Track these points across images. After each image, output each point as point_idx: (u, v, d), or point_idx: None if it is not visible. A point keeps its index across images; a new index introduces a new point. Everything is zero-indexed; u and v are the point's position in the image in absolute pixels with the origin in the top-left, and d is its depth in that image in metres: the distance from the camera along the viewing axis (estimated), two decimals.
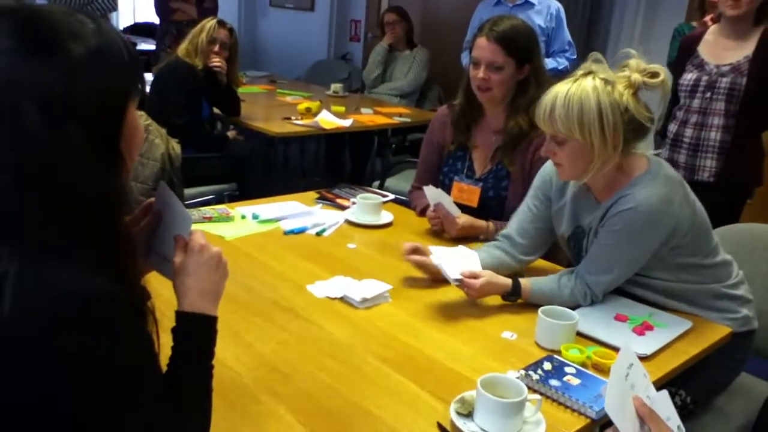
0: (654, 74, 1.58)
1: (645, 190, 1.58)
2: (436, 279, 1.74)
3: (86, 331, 0.78)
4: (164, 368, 0.94)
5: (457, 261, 1.70)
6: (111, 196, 0.86)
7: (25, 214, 0.78)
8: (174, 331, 1.00)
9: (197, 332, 1.01)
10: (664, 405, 1.02)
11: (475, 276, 1.64)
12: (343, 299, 1.67)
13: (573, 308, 1.57)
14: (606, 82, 1.55)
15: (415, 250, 1.79)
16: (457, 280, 1.63)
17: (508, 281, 1.67)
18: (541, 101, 1.61)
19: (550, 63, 3.72)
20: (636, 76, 1.56)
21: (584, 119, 1.54)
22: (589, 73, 1.58)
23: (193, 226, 1.07)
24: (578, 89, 1.55)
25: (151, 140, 2.97)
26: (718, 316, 1.68)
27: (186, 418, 0.94)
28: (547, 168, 1.83)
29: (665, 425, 0.98)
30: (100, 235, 0.84)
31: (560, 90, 1.57)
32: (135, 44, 5.43)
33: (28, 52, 0.80)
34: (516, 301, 1.67)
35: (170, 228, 1.06)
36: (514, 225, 1.88)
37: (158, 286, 1.02)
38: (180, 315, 1.00)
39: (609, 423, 1.06)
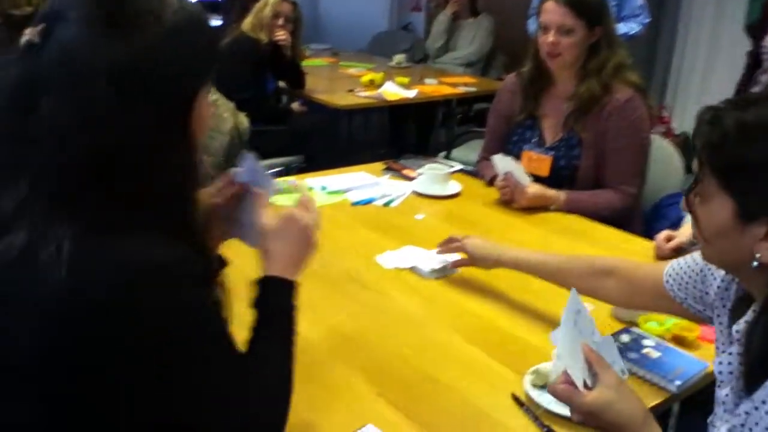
0: None
1: None
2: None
3: (148, 297, 0.78)
4: (240, 336, 0.95)
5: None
6: (179, 172, 0.86)
7: (91, 183, 0.79)
8: (258, 294, 1.00)
9: (282, 297, 1.01)
10: (609, 350, 1.02)
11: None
12: (412, 270, 1.66)
13: None
14: None
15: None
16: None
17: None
18: None
19: (621, 28, 3.56)
20: None
21: None
22: None
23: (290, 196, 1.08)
24: None
25: (219, 114, 3.02)
26: None
27: (266, 383, 0.95)
28: None
29: (611, 370, 0.96)
30: (168, 208, 0.84)
31: None
32: None
33: (104, 24, 0.80)
34: None
35: (255, 196, 1.08)
36: None
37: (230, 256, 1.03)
38: (265, 279, 1.01)
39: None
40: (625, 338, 1.34)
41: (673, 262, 1.21)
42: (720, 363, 0.99)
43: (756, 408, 0.83)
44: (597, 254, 1.59)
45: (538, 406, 1.14)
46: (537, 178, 2.12)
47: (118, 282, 0.77)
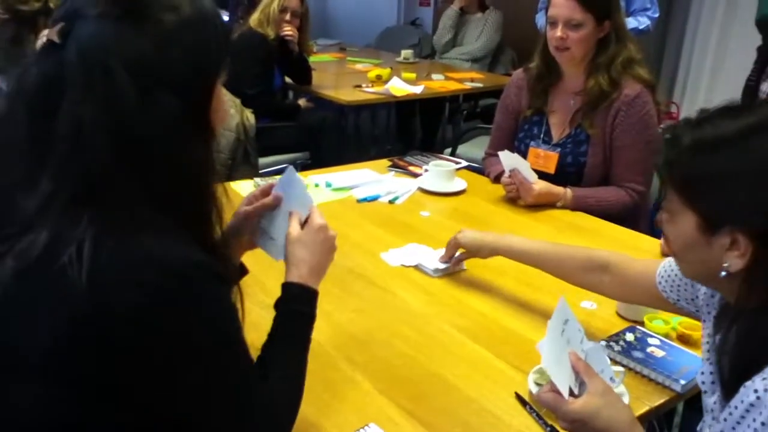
0: None
1: None
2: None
3: (165, 296, 0.79)
4: (254, 339, 0.95)
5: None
6: (200, 164, 0.86)
7: (111, 178, 0.79)
8: (280, 300, 1.02)
9: (303, 304, 1.03)
10: (598, 358, 1.03)
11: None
12: (417, 267, 1.66)
13: None
14: None
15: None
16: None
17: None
18: None
19: (630, 22, 3.54)
20: None
21: None
22: None
23: None
24: None
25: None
26: None
27: (278, 388, 0.95)
28: None
29: (599, 378, 0.97)
30: (187, 203, 0.85)
31: None
32: None
33: (122, 19, 0.81)
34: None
35: (287, 209, 1.10)
36: None
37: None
38: (288, 285, 1.04)
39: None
40: (629, 337, 1.34)
41: (666, 262, 1.20)
42: (702, 373, 1.00)
43: (731, 414, 0.83)
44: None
45: (541, 405, 1.14)
46: (543, 175, 2.11)
47: (136, 284, 0.77)
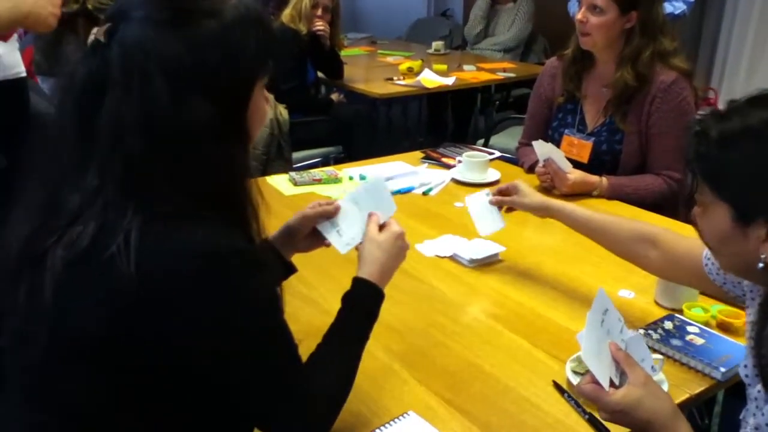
0: None
1: None
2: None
3: (210, 282, 0.82)
4: (294, 331, 0.96)
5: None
6: (233, 164, 0.89)
7: (151, 174, 0.83)
8: (348, 293, 1.06)
9: (370, 302, 1.07)
10: (638, 347, 1.01)
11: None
12: (452, 258, 1.67)
13: None
14: None
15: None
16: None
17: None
18: None
19: (666, 8, 3.47)
20: None
21: None
22: None
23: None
24: None
25: None
26: None
27: (323, 380, 0.96)
28: None
29: (639, 368, 0.96)
30: (223, 198, 0.87)
31: None
32: None
33: (166, 22, 0.84)
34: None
35: (366, 210, 1.16)
36: None
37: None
38: (360, 280, 1.07)
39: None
40: (668, 325, 1.33)
41: None
42: (745, 366, 0.98)
43: None
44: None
45: (582, 396, 1.14)
46: (577, 164, 2.10)
47: (181, 271, 0.81)
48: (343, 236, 1.17)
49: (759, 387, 0.94)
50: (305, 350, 0.97)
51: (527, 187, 1.57)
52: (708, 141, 0.87)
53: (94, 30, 0.86)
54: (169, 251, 0.81)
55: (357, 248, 1.14)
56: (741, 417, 1.01)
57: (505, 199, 1.59)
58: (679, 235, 1.30)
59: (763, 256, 0.84)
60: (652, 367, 1.03)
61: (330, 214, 1.18)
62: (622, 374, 0.96)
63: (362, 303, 1.06)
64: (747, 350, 1.00)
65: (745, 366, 0.98)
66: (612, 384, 0.96)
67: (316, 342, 1.01)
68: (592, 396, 0.96)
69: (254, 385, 0.89)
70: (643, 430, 0.93)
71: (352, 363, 1.02)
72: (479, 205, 1.63)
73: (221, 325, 0.84)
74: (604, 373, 0.95)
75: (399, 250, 1.13)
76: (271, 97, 3.24)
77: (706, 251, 1.18)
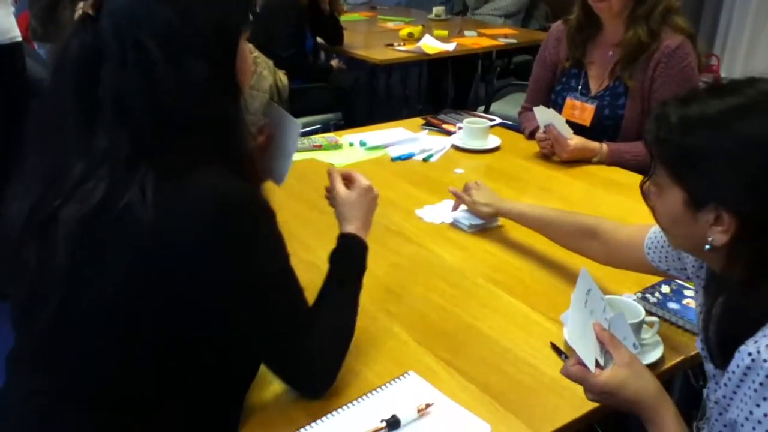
0: None
1: None
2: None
3: (224, 226, 0.86)
4: None
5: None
6: (232, 119, 0.92)
7: (157, 134, 0.85)
8: (336, 250, 1.13)
9: (357, 252, 1.14)
10: (621, 326, 1.03)
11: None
12: (452, 224, 1.68)
13: None
14: None
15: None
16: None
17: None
18: None
19: None
20: None
21: None
22: None
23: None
24: None
25: (259, 72, 3.04)
26: None
27: (330, 325, 1.04)
28: None
29: (624, 348, 0.97)
30: (226, 153, 0.90)
31: None
32: None
33: None
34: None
35: (282, 141, 1.17)
36: None
37: None
38: (346, 236, 1.14)
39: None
40: (665, 289, 1.34)
41: (654, 230, 1.20)
42: (700, 340, 1.00)
43: (729, 379, 0.84)
44: (615, 211, 1.60)
45: (568, 379, 1.16)
46: (579, 128, 2.09)
47: (197, 216, 0.84)
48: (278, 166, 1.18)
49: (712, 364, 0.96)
50: None
51: (485, 194, 1.62)
52: (668, 125, 0.89)
53: (80, 4, 0.88)
54: (184, 199, 0.84)
55: (333, 207, 1.20)
56: (705, 395, 1.04)
57: (464, 198, 1.65)
58: (618, 224, 1.33)
59: (709, 240, 0.87)
60: (634, 344, 1.04)
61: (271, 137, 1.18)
62: (606, 353, 0.97)
63: (352, 255, 1.13)
64: (699, 328, 1.02)
65: (700, 340, 1.00)
66: (597, 365, 0.96)
67: None
68: (578, 378, 0.97)
69: (267, 326, 0.94)
70: (629, 410, 0.95)
71: (353, 310, 1.10)
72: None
73: (234, 266, 0.87)
74: (589, 355, 0.96)
75: (371, 202, 1.20)
76: (270, 63, 3.22)
77: (647, 239, 1.21)
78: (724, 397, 0.85)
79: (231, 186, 0.87)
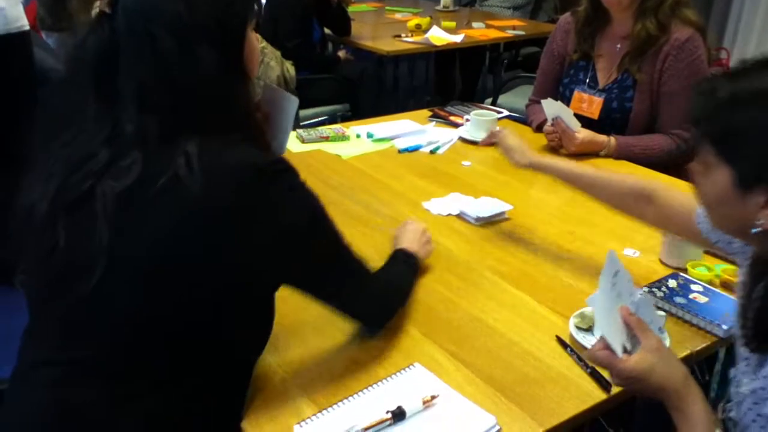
0: None
1: None
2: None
3: (263, 191, 0.91)
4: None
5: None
6: (242, 98, 0.97)
7: (181, 118, 0.91)
8: (389, 256, 1.29)
9: (413, 258, 1.31)
10: (647, 309, 1.01)
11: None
12: (459, 216, 1.68)
13: None
14: None
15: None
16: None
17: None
18: None
19: None
20: None
21: None
22: None
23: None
24: None
25: (266, 63, 3.05)
26: None
27: (387, 279, 1.21)
28: None
29: (652, 333, 0.95)
30: (237, 129, 0.94)
31: None
32: None
33: None
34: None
35: (278, 118, 1.23)
36: None
37: None
38: (398, 250, 1.32)
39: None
40: (672, 283, 1.34)
41: None
42: (736, 320, 0.97)
43: (766, 376, 0.81)
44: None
45: (582, 347, 1.16)
46: (587, 121, 2.08)
47: (238, 184, 0.88)
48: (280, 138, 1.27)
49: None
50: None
51: (515, 142, 1.63)
52: (716, 101, 0.85)
53: (97, 3, 0.91)
54: (222, 168, 0.88)
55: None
56: (731, 375, 1.02)
57: (502, 142, 1.67)
58: (673, 189, 1.30)
59: (759, 222, 0.83)
60: (660, 328, 1.02)
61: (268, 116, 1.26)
62: (633, 338, 0.95)
63: (404, 260, 1.30)
64: (737, 309, 0.99)
65: (736, 320, 0.99)
66: (624, 350, 0.94)
67: None
68: (605, 362, 0.95)
69: (321, 277, 1.03)
70: (655, 396, 0.93)
71: (410, 280, 1.28)
72: None
73: (279, 227, 0.92)
74: (617, 339, 0.94)
75: (422, 236, 1.41)
76: (278, 53, 3.22)
77: (699, 208, 1.18)
78: (762, 389, 0.83)
79: (257, 155, 0.93)
